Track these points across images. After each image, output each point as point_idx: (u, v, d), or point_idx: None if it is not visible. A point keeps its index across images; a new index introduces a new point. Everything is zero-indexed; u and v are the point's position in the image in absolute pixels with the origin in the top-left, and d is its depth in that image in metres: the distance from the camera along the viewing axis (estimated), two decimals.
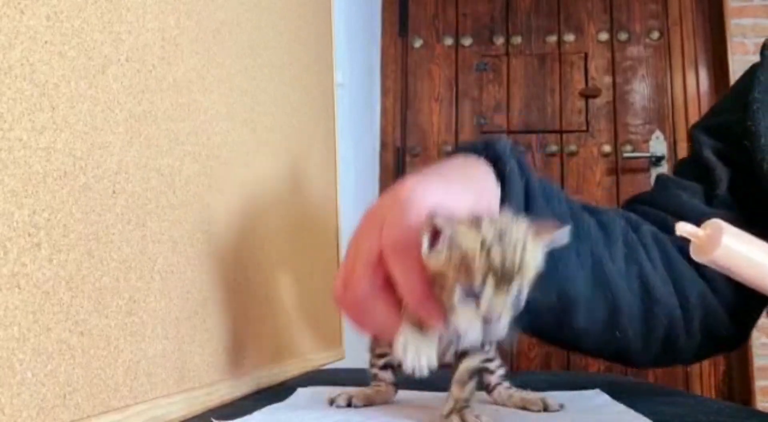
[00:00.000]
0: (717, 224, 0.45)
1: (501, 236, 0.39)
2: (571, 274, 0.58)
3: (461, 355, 0.46)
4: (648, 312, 0.61)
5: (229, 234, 0.62)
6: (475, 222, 0.40)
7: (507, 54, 2.58)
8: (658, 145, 2.46)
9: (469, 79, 2.58)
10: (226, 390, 0.58)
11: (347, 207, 1.18)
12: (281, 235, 0.79)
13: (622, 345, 0.62)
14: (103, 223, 0.41)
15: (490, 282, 0.39)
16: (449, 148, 2.53)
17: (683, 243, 0.54)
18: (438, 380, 0.46)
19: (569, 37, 2.57)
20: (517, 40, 2.59)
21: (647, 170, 2.46)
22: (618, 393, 0.59)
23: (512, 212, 0.43)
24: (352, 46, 1.92)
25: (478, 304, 0.39)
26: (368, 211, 0.46)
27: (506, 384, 0.55)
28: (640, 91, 2.51)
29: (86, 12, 0.41)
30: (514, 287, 0.39)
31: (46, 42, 0.37)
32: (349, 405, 0.53)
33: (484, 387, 0.55)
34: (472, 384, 0.45)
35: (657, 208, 0.69)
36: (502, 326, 0.40)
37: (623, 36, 2.54)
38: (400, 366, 0.44)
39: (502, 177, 0.55)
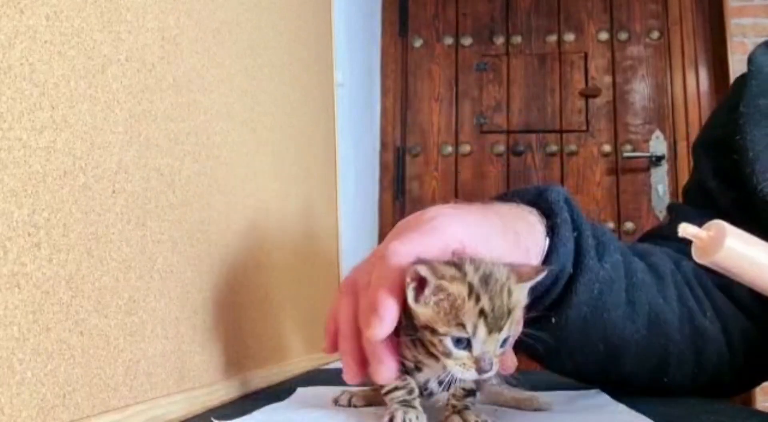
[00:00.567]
0: (720, 225, 0.44)
1: (486, 280, 0.40)
2: (620, 323, 0.58)
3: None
4: (699, 354, 0.61)
5: (229, 234, 0.62)
6: (458, 267, 0.41)
7: (507, 54, 2.58)
8: (658, 145, 2.46)
9: (469, 78, 2.58)
10: (226, 390, 0.58)
11: (347, 207, 1.18)
12: (281, 235, 0.79)
13: (669, 386, 0.62)
14: (102, 223, 0.41)
15: (482, 327, 0.40)
16: (449, 149, 2.53)
17: (722, 280, 0.54)
18: None
19: (569, 37, 2.57)
20: (517, 39, 2.59)
21: (647, 170, 2.46)
22: (618, 393, 0.59)
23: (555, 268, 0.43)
24: (352, 45, 1.92)
25: (470, 349, 0.40)
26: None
27: (495, 381, 0.55)
28: (640, 90, 2.51)
29: (86, 12, 0.41)
30: (504, 329, 0.41)
31: (45, 42, 0.37)
32: (349, 404, 0.53)
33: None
34: (470, 398, 0.45)
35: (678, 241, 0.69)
36: (495, 367, 0.41)
37: (623, 36, 2.54)
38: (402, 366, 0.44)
39: (552, 228, 0.54)
